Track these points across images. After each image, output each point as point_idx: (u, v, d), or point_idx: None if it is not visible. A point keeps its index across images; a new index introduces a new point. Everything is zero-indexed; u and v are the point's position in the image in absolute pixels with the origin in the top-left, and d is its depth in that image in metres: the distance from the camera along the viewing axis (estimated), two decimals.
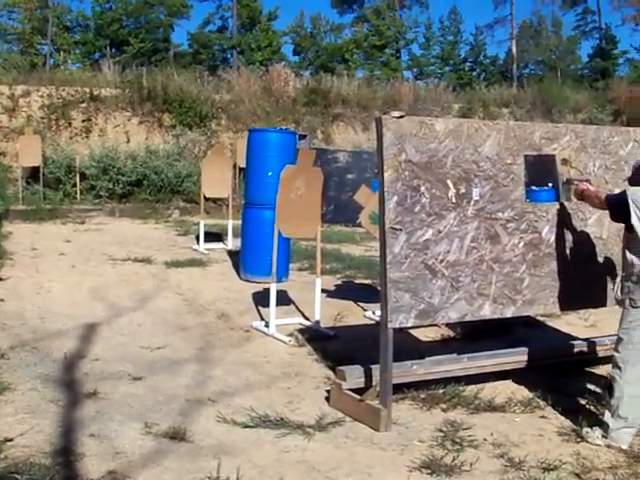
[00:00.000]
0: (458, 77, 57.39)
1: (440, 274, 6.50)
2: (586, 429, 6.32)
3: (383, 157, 6.27)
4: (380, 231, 6.39)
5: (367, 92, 31.64)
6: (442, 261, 6.51)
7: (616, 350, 6.31)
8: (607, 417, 6.24)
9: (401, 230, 6.31)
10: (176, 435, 6.03)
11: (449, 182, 6.57)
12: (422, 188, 6.42)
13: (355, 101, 30.10)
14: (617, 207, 6.33)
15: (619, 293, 6.39)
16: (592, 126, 8.09)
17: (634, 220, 6.11)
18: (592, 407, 6.95)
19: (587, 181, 7.08)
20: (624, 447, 6.08)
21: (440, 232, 6.50)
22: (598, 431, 6.24)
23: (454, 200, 6.58)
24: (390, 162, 6.28)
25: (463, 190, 6.63)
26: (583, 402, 7.10)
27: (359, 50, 59.08)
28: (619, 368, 6.22)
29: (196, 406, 6.80)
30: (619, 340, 6.27)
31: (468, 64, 65.27)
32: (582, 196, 6.91)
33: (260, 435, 6.19)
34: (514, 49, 60.47)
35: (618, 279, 6.54)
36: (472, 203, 6.67)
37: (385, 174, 6.26)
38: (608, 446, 6.10)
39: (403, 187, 6.34)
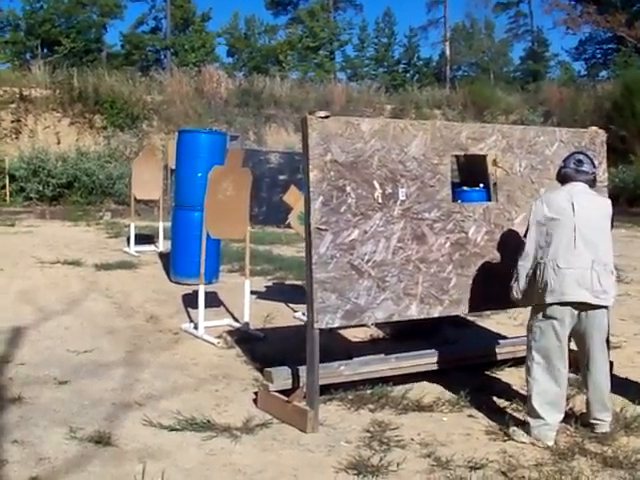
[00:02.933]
0: (392, 78, 57.63)
1: (366, 274, 6.49)
2: (513, 427, 6.35)
3: (309, 157, 6.25)
4: (306, 231, 6.37)
5: (300, 93, 31.76)
6: (368, 261, 6.50)
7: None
8: (527, 415, 6.33)
9: (327, 230, 6.29)
10: (101, 439, 5.94)
11: (375, 182, 6.56)
12: (348, 188, 6.40)
13: (288, 102, 30.17)
14: None
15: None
16: (519, 126, 8.13)
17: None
18: (518, 406, 6.99)
19: None
20: (549, 444, 6.12)
21: (366, 232, 6.49)
22: (524, 429, 6.29)
23: (380, 200, 6.58)
24: (316, 162, 6.26)
25: (389, 190, 6.63)
26: (510, 401, 7.15)
27: (293, 51, 58.96)
28: (527, 368, 6.34)
29: (122, 410, 6.71)
30: (527, 339, 6.42)
31: (402, 66, 65.57)
32: None
33: (186, 438, 6.12)
34: (447, 51, 60.84)
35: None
36: (398, 203, 6.67)
37: (311, 174, 6.24)
38: (533, 444, 6.14)
39: (329, 187, 6.32)
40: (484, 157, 7.44)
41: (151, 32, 59.82)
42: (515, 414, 6.77)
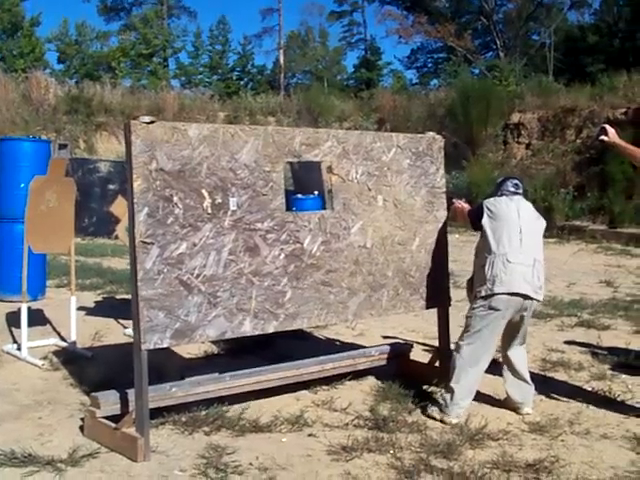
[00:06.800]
0: (226, 86, 57.38)
1: (196, 290, 6.10)
2: (429, 405, 7.03)
3: (132, 166, 5.81)
4: (130, 245, 5.92)
5: (131, 101, 31.24)
6: (198, 276, 6.11)
7: None
8: (444, 394, 6.96)
9: (153, 244, 5.87)
10: None
11: (204, 191, 6.17)
12: (175, 198, 6.00)
13: (119, 110, 29.55)
14: (475, 216, 7.10)
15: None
16: (355, 132, 7.93)
17: (484, 221, 6.89)
18: (360, 421, 6.74)
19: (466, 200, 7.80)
20: (454, 422, 6.72)
21: (195, 245, 6.10)
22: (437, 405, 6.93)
23: (210, 211, 6.19)
24: (140, 171, 5.83)
25: (219, 200, 6.25)
26: (352, 416, 6.89)
27: (126, 58, 58.01)
28: (458, 353, 7.04)
29: None
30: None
31: (236, 73, 65.32)
32: (454, 214, 7.61)
33: (5, 475, 5.57)
34: (282, 59, 61.01)
35: None
36: (229, 213, 6.30)
37: (135, 184, 5.80)
38: (442, 421, 6.78)
39: (154, 198, 5.89)
40: (319, 164, 7.19)
41: None
42: (357, 431, 6.51)
